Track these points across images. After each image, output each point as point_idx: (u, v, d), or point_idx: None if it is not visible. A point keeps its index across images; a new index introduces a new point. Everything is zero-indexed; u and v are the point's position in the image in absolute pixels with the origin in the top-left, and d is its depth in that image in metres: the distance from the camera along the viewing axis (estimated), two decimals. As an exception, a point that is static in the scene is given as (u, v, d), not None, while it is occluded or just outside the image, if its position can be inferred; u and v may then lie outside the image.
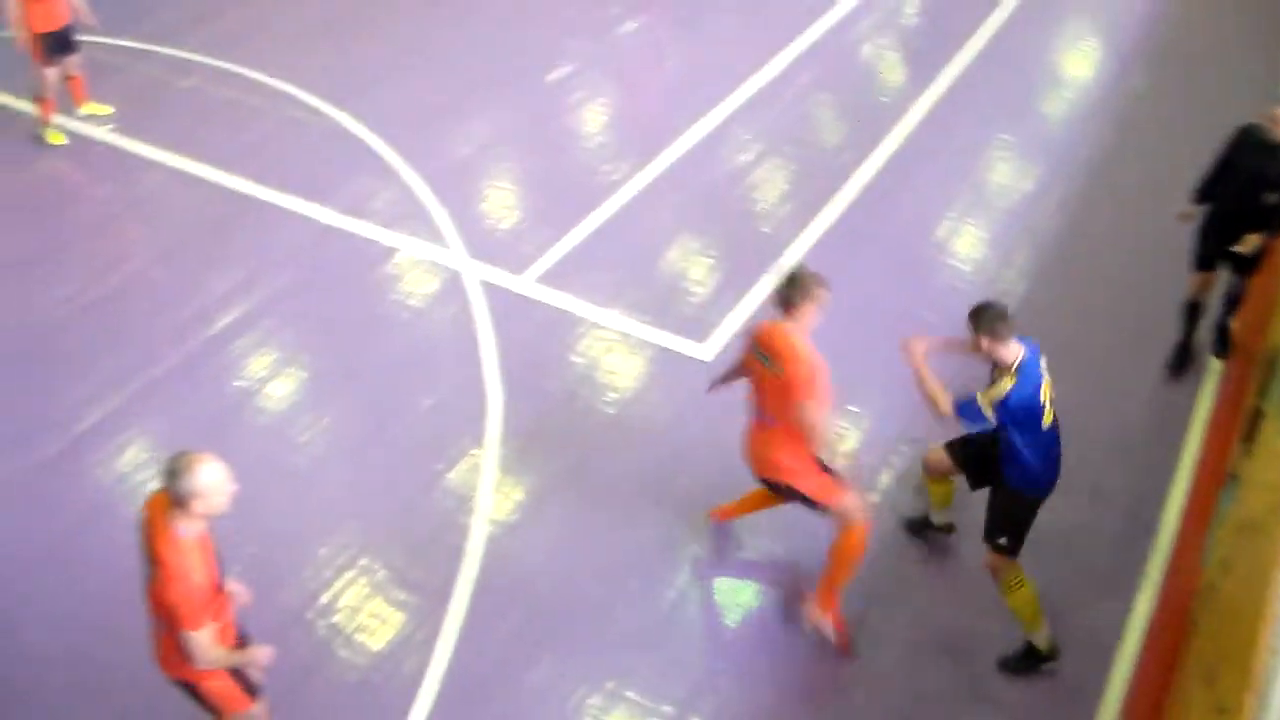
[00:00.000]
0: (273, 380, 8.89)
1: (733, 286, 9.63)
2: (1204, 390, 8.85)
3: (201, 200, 10.87)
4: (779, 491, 6.92)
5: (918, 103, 12.10)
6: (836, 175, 11.00)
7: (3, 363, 9.15)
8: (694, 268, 9.92)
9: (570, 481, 8.06)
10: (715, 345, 9.09)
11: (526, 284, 9.66)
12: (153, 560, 5.18)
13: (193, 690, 5.61)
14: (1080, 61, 13.29)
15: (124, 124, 11.82)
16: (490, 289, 9.65)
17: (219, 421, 8.53)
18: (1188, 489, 7.96)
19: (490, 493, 7.93)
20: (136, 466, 8.20)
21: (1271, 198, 8.08)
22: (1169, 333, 9.05)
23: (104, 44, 12.79)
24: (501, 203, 10.81)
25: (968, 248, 10.22)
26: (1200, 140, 9.25)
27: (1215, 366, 9.02)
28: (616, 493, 7.97)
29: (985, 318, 6.25)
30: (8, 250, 10.35)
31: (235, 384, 8.86)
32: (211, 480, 5.04)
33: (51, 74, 11.21)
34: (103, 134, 11.81)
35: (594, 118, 12.10)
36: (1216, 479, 7.28)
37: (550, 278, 9.72)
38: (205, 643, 5.18)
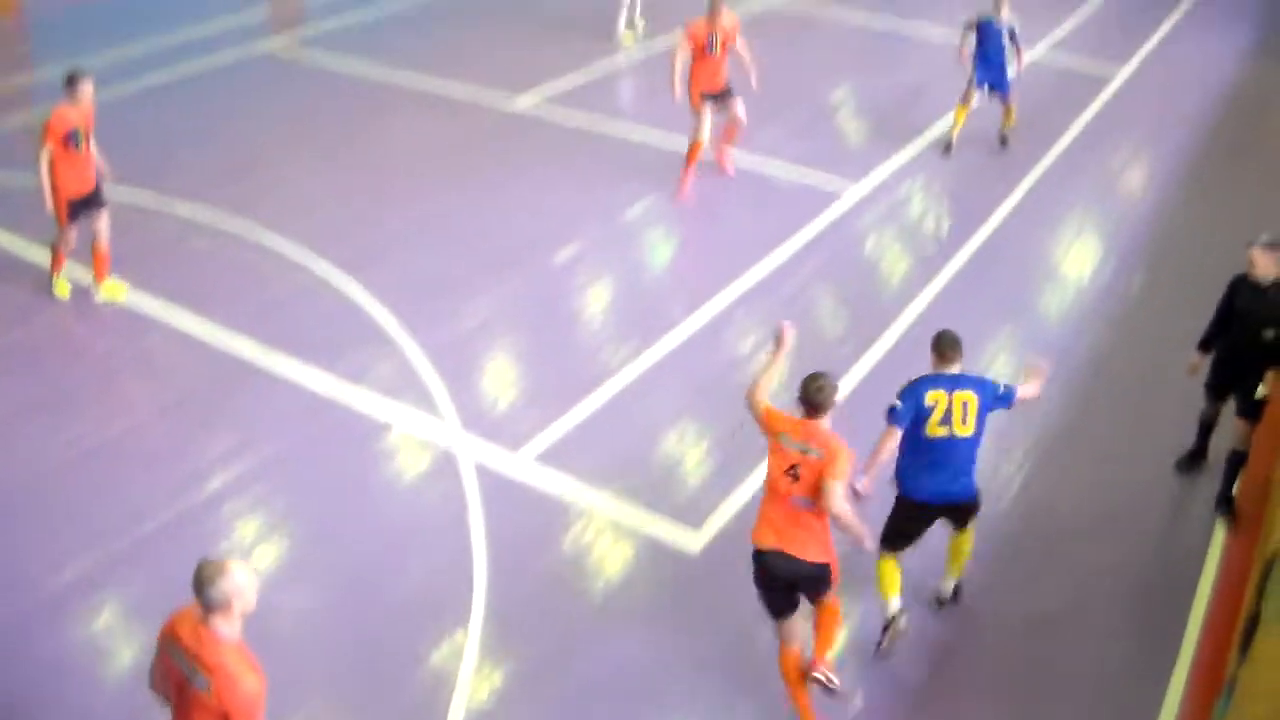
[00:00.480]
0: (259, 545, 8.83)
1: (728, 474, 9.60)
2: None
3: (204, 360, 10.95)
4: (808, 584, 7.30)
5: (919, 296, 12.25)
6: (837, 366, 10.99)
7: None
8: (691, 454, 9.93)
9: (552, 671, 7.91)
10: (709, 532, 9.04)
11: (520, 463, 9.66)
12: (205, 670, 5.25)
13: None
14: (1079, 259, 13.50)
15: (134, 279, 11.96)
16: (483, 466, 9.64)
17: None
18: (1182, 697, 7.82)
19: (470, 675, 7.80)
20: (107, 629, 8.09)
21: (1268, 334, 8.87)
22: (1174, 548, 9.13)
23: (123, 198, 13.05)
24: (501, 380, 10.88)
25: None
26: (1194, 338, 9.62)
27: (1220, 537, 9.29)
28: (596, 687, 7.81)
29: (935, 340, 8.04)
30: (8, 399, 10.40)
31: (222, 546, 8.79)
32: (246, 577, 5.27)
33: (72, 232, 11.40)
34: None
35: (598, 299, 12.25)
36: (1213, 685, 7.18)
37: (545, 457, 9.72)
38: None
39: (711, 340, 11.45)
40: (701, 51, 13.82)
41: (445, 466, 9.64)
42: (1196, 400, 9.70)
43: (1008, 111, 16.02)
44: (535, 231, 13.27)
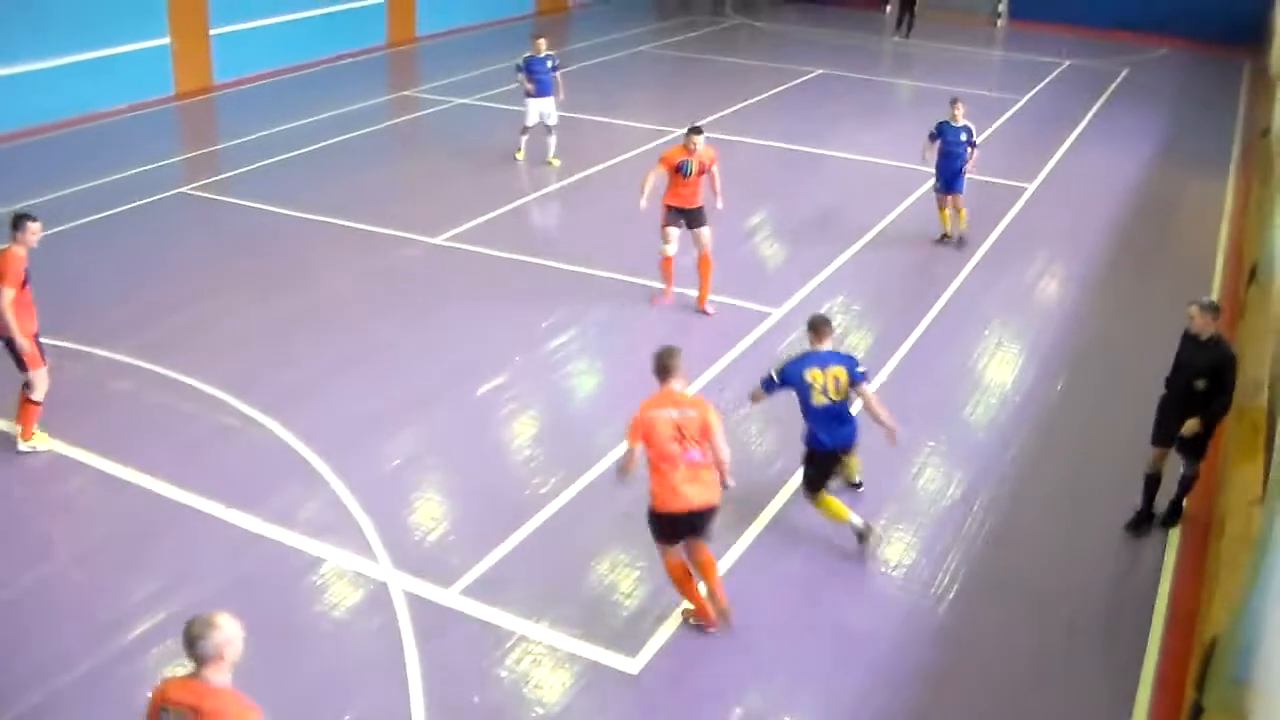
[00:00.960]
0: (186, 692, 8.60)
1: (663, 597, 9.56)
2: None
3: (127, 503, 10.76)
4: (701, 527, 8.93)
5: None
6: (769, 485, 11.14)
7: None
8: (623, 580, 9.88)
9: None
10: (645, 656, 8.96)
11: (453, 596, 9.55)
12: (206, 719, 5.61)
13: None
14: (1002, 366, 13.82)
15: (51, 424, 11.76)
16: (416, 601, 9.51)
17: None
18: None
19: (407, 816, 7.63)
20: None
21: (1199, 384, 9.93)
22: (1090, 646, 9.14)
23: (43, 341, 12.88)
24: (430, 514, 10.79)
25: (898, 554, 10.29)
26: (1122, 442, 9.97)
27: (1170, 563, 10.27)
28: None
29: (810, 322, 10.24)
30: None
31: (146, 696, 8.55)
32: (234, 628, 5.66)
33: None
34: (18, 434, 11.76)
35: (525, 429, 12.26)
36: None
37: (477, 589, 9.63)
38: None
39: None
40: (675, 174, 14.35)
41: (378, 604, 9.50)
42: (1129, 488, 10.58)
43: (959, 213, 17.20)
44: (459, 363, 13.31)
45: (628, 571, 9.97)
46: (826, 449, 10.10)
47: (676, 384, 8.88)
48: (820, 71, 29.23)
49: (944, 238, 17.44)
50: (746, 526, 10.54)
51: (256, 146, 21.85)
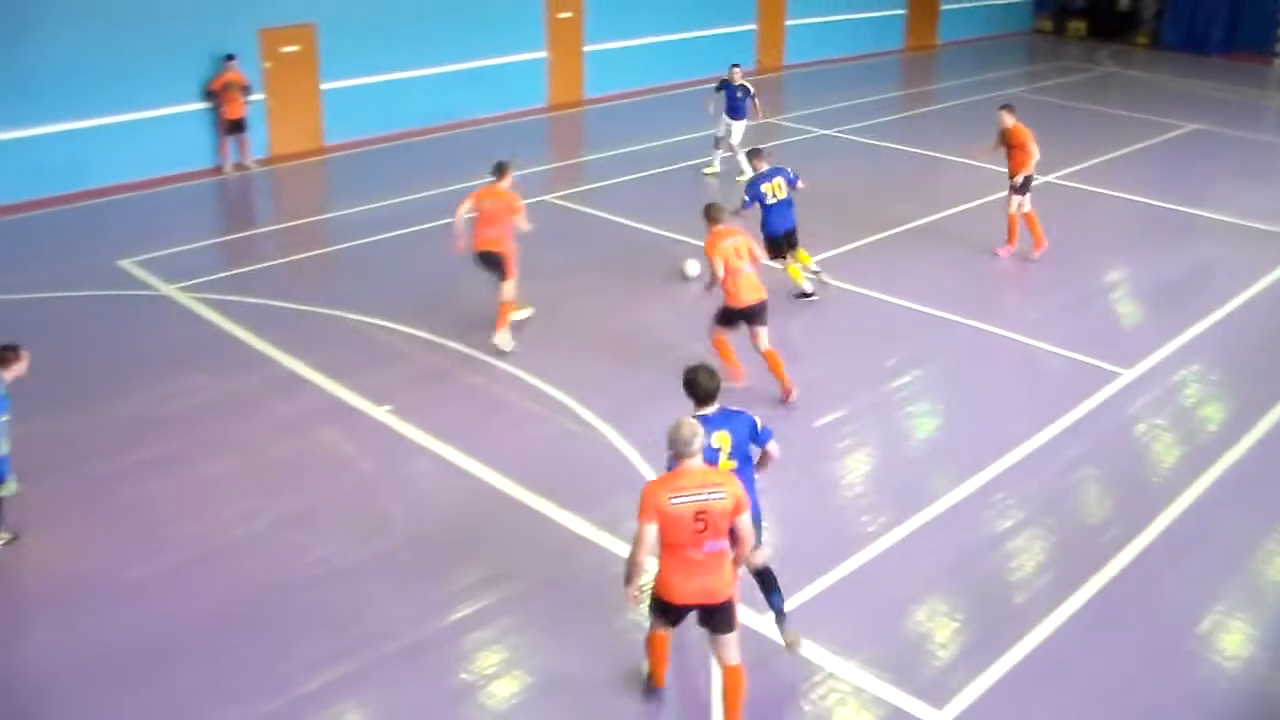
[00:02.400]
0: (499, 679, 8.85)
1: (978, 654, 9.17)
2: None
3: (465, 491, 11.23)
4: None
5: (1190, 488, 11.57)
6: (1098, 554, 10.53)
7: (247, 616, 9.49)
8: (940, 629, 9.54)
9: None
10: (952, 711, 8.59)
11: (767, 623, 9.44)
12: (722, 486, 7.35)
13: None
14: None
15: (402, 407, 12.43)
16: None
17: (433, 711, 8.57)
18: None
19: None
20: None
21: None
22: None
23: (401, 331, 13.64)
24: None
25: (1235, 645, 9.50)
26: None
27: None
28: None
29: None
30: (271, 509, 10.90)
31: (460, 676, 8.87)
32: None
33: None
34: (380, 414, 12.49)
35: (857, 466, 12.04)
36: None
37: (792, 619, 9.43)
38: None
39: (969, 518, 11.05)
40: None
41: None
42: None
43: None
44: (800, 393, 13.15)
45: (946, 622, 9.62)
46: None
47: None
48: (1195, 127, 27.52)
49: None
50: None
51: (618, 161, 22.48)
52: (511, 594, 9.79)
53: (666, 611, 7.93)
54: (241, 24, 22.17)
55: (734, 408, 8.65)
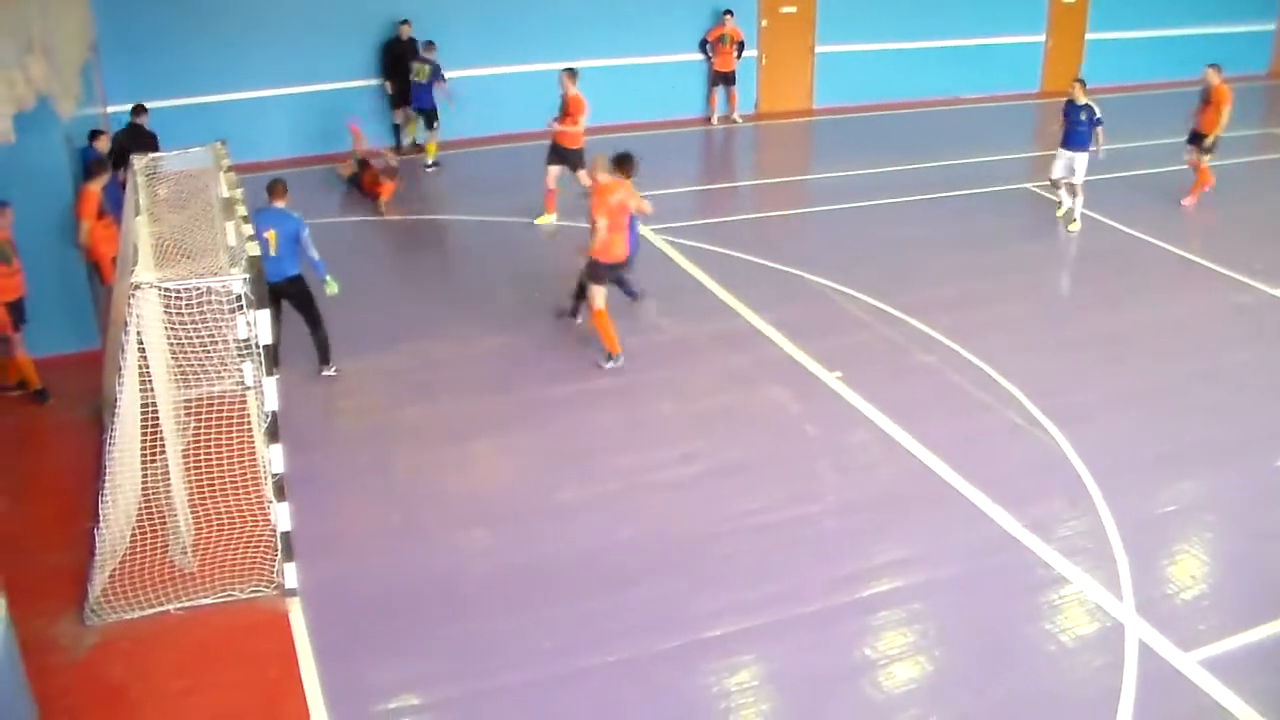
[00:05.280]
0: (897, 662, 8.82)
1: None
2: None
3: (900, 469, 11.22)
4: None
5: None
6: None
7: (664, 554, 9.92)
8: None
9: None
10: None
11: (1189, 663, 8.85)
12: None
13: None
14: None
15: (852, 376, 12.52)
16: (1148, 654, 8.92)
17: (830, 682, 8.64)
18: None
19: None
20: (737, 687, 8.47)
21: None
22: None
23: (861, 300, 13.72)
24: (1190, 571, 10.05)
25: None
26: None
27: None
28: None
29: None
30: (712, 454, 11.33)
31: (864, 652, 8.90)
32: None
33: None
34: (831, 379, 12.64)
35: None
36: None
37: (1218, 665, 8.83)
38: None
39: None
40: None
41: (1108, 643, 9.04)
42: None
43: None
44: (1264, 428, 12.18)
45: None
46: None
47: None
48: None
49: None
50: None
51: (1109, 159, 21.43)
52: (928, 579, 9.70)
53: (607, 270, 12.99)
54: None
55: None
